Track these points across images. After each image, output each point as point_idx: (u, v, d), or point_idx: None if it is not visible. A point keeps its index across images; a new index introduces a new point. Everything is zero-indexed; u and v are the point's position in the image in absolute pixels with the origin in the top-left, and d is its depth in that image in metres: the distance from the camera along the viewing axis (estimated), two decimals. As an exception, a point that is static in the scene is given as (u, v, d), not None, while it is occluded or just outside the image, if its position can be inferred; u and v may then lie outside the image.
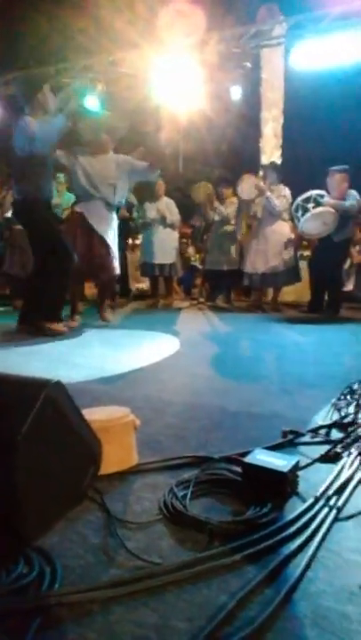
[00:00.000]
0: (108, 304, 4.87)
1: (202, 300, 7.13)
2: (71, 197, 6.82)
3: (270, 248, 5.76)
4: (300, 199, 5.23)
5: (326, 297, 5.61)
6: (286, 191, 5.81)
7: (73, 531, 1.04)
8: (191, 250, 9.30)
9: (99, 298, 4.78)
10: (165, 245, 6.57)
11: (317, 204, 5.08)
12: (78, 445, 1.10)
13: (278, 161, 7.96)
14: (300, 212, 5.17)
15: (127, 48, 7.64)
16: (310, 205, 5.08)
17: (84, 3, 9.41)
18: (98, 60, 7.67)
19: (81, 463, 1.12)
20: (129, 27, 8.19)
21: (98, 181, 4.41)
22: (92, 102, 7.82)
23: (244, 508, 1.10)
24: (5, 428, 0.96)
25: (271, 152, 8.47)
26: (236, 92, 7.76)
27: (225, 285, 6.88)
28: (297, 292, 6.78)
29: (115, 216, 4.69)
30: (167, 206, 6.58)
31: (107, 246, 4.47)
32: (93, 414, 1.26)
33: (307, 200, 5.14)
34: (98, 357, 3.00)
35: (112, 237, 4.54)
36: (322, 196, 5.15)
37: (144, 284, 7.73)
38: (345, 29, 6.40)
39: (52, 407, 1.01)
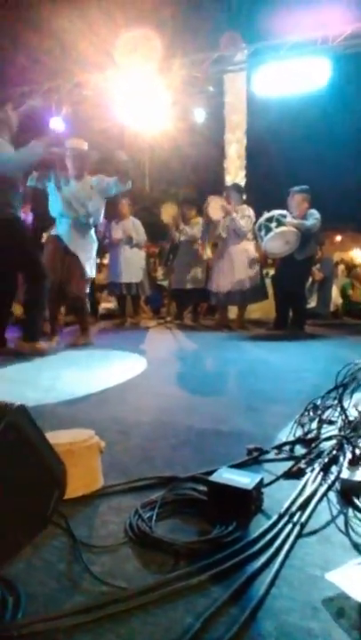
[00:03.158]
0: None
1: (169, 318, 7.15)
2: None
3: (236, 267, 5.86)
4: (263, 219, 5.35)
5: (291, 314, 5.71)
6: (250, 211, 5.94)
7: (37, 557, 1.02)
8: (160, 269, 9.35)
9: (78, 320, 4.78)
10: (132, 265, 6.59)
11: (280, 223, 5.20)
12: (42, 470, 1.09)
13: (242, 181, 8.15)
14: (263, 232, 5.29)
15: (92, 70, 7.74)
16: (273, 225, 5.20)
17: (49, 25, 9.50)
18: (63, 82, 7.73)
19: (45, 488, 1.11)
20: (93, 49, 8.29)
21: (76, 204, 4.42)
22: (57, 124, 7.90)
23: (209, 528, 1.10)
24: (-34, 455, 0.94)
25: (236, 172, 8.67)
26: (201, 115, 7.95)
27: (192, 304, 6.93)
28: (263, 309, 6.89)
29: (92, 236, 4.69)
30: (133, 226, 6.63)
31: (81, 267, 4.47)
32: (58, 437, 1.25)
33: (270, 220, 5.26)
34: (64, 379, 2.96)
35: (87, 258, 4.56)
36: (284, 216, 5.28)
37: (111, 304, 7.71)
38: (302, 57, 6.67)
39: (14, 432, 0.99)
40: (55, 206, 4.52)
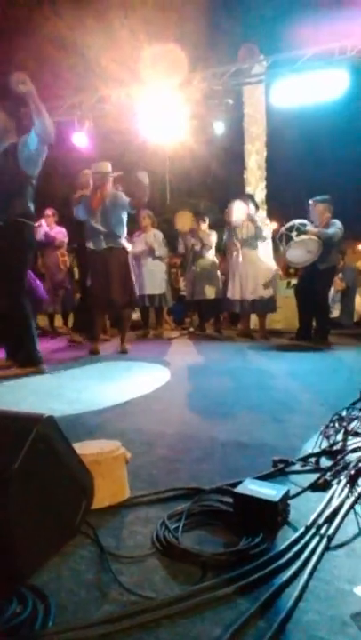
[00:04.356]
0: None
1: (192, 329, 7.17)
2: None
3: (256, 275, 5.86)
4: (283, 228, 5.35)
5: (314, 324, 5.67)
6: (267, 220, 5.98)
7: (66, 566, 1.04)
8: (182, 280, 9.39)
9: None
10: (154, 276, 6.64)
11: (300, 232, 5.19)
12: (70, 480, 1.11)
13: (263, 192, 8.17)
14: (283, 241, 5.29)
15: (114, 85, 7.88)
16: (294, 234, 5.19)
17: (73, 42, 9.73)
18: (86, 97, 7.88)
19: (73, 498, 1.13)
20: (116, 65, 8.46)
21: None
22: (79, 139, 8.05)
23: (236, 539, 1.11)
24: (-3, 465, 0.97)
25: (256, 184, 8.69)
26: (220, 127, 8.01)
27: (213, 314, 6.94)
28: (285, 319, 6.86)
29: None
30: (155, 238, 6.68)
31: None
32: (84, 448, 1.27)
33: (290, 229, 5.26)
34: (89, 390, 3.00)
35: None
36: (304, 225, 5.27)
37: (135, 315, 7.77)
38: (320, 69, 6.69)
39: (43, 443, 1.02)
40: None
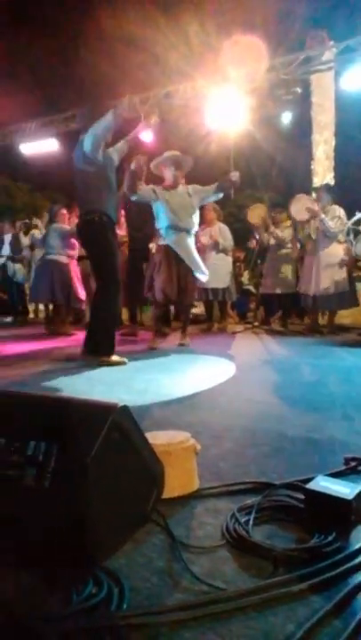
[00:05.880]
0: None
1: (256, 323, 7.09)
2: None
3: (324, 270, 5.69)
4: (350, 223, 5.16)
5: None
6: (341, 211, 5.74)
7: (139, 553, 1.06)
8: (246, 274, 9.30)
9: (181, 322, 5.17)
10: (219, 270, 6.62)
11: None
12: (142, 469, 1.14)
13: (331, 182, 7.90)
14: (351, 236, 5.10)
15: (181, 80, 7.91)
16: None
17: (142, 41, 9.87)
18: (153, 93, 7.97)
19: (145, 486, 1.15)
20: (183, 61, 8.49)
21: (181, 214, 4.57)
22: (145, 134, 8.15)
23: (307, 536, 1.09)
24: (74, 452, 1.00)
25: (324, 174, 8.44)
26: (287, 117, 7.84)
27: (281, 309, 6.83)
28: (354, 314, 6.63)
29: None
30: (220, 232, 6.66)
31: (194, 276, 4.69)
32: (155, 438, 1.29)
33: (357, 223, 5.06)
34: (156, 381, 3.04)
35: (198, 266, 4.70)
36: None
37: (198, 309, 7.79)
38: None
39: (118, 431, 1.05)
40: (162, 218, 4.64)
